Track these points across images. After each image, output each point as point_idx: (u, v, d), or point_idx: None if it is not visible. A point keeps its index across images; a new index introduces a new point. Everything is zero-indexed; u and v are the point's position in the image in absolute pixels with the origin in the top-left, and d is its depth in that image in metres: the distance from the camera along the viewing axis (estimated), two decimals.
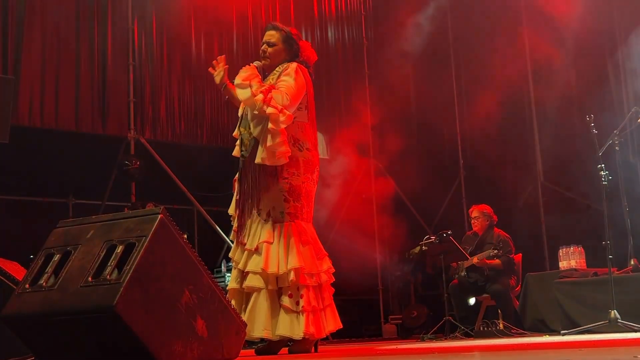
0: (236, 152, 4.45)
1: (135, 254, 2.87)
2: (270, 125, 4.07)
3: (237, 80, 4.19)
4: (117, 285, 2.78)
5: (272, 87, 4.19)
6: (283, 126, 4.08)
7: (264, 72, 4.42)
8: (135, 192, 8.37)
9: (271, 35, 4.42)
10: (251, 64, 4.32)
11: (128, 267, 2.83)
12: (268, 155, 4.10)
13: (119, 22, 8.54)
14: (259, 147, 4.15)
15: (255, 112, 4.17)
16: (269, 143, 4.09)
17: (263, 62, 4.39)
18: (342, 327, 4.35)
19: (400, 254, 10.26)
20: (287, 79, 4.24)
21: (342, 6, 10.76)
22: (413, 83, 11.21)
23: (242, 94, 4.15)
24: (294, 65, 4.30)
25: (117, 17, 8.53)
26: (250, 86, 4.13)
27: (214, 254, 9.41)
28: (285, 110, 4.09)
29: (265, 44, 4.40)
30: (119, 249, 2.93)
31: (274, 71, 4.37)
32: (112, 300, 2.73)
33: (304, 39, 4.68)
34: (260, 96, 4.09)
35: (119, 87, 8.48)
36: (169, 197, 8.75)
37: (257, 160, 4.14)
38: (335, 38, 10.58)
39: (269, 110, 4.06)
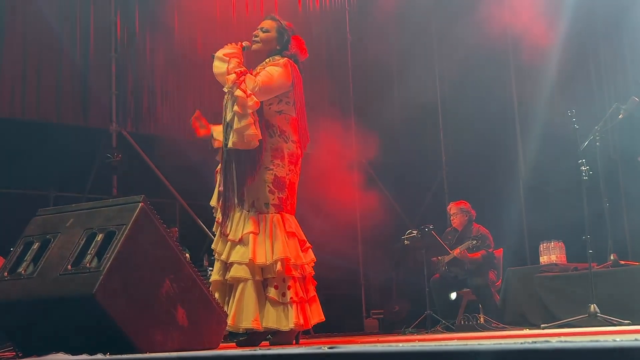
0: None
1: (115, 243, 2.86)
2: (235, 107, 4.09)
3: (219, 53, 4.22)
4: (97, 273, 2.77)
5: (248, 71, 4.21)
6: (249, 111, 4.09)
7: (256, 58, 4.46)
8: (117, 185, 8.33)
9: (267, 23, 4.50)
10: (239, 42, 4.33)
11: (108, 256, 2.82)
12: (238, 138, 4.12)
13: (101, 13, 8.48)
14: (231, 132, 4.17)
15: (224, 90, 4.20)
16: (236, 125, 4.10)
17: (253, 45, 4.41)
18: (324, 320, 4.36)
19: (382, 249, 10.27)
20: (271, 69, 4.26)
21: (326, 1, 10.75)
22: (396, 79, 11.22)
23: (217, 67, 4.19)
24: (284, 59, 4.33)
25: (99, 9, 8.48)
26: (228, 62, 4.15)
27: (196, 248, 9.37)
28: (253, 96, 4.10)
29: (259, 29, 4.45)
30: (99, 237, 2.92)
31: (263, 62, 4.39)
32: (92, 289, 2.71)
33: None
34: (233, 76, 4.11)
35: (101, 79, 8.42)
36: (151, 191, 8.69)
37: (229, 145, 4.16)
38: (319, 33, 10.57)
39: (237, 92, 4.09)
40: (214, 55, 4.24)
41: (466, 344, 1.38)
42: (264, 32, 4.44)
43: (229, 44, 4.31)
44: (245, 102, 4.08)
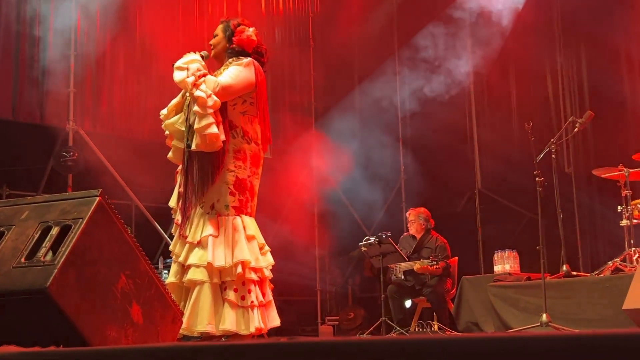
0: (170, 157, 4.44)
1: (71, 236, 2.81)
2: (196, 107, 4.07)
3: (178, 62, 4.20)
4: (51, 267, 2.72)
5: (209, 73, 4.20)
6: (210, 111, 4.07)
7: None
8: (72, 184, 8.20)
9: (217, 29, 4.52)
10: (197, 52, 4.32)
11: (63, 249, 2.77)
12: (201, 140, 4.09)
13: (61, 10, 8.36)
14: (194, 134, 4.14)
15: (188, 96, 4.20)
16: (196, 126, 4.08)
17: (212, 52, 4.43)
18: (280, 324, 4.35)
19: (339, 255, 10.30)
20: (234, 68, 4.25)
21: (289, 6, 10.77)
22: (358, 87, 11.29)
23: (177, 75, 4.17)
24: (247, 59, 4.31)
25: (60, 6, 8.35)
26: (187, 69, 4.14)
27: (152, 251, 9.28)
28: (213, 96, 4.08)
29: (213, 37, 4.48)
30: (55, 230, 2.86)
31: (226, 62, 4.37)
32: (46, 282, 2.66)
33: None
34: (191, 79, 4.10)
35: (60, 77, 8.29)
36: (106, 191, 8.54)
37: (193, 147, 4.13)
38: (282, 38, 10.59)
39: (197, 93, 4.07)
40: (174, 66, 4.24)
41: (415, 337, 1.40)
42: (214, 36, 4.48)
43: (187, 54, 4.30)
44: (205, 102, 4.05)
